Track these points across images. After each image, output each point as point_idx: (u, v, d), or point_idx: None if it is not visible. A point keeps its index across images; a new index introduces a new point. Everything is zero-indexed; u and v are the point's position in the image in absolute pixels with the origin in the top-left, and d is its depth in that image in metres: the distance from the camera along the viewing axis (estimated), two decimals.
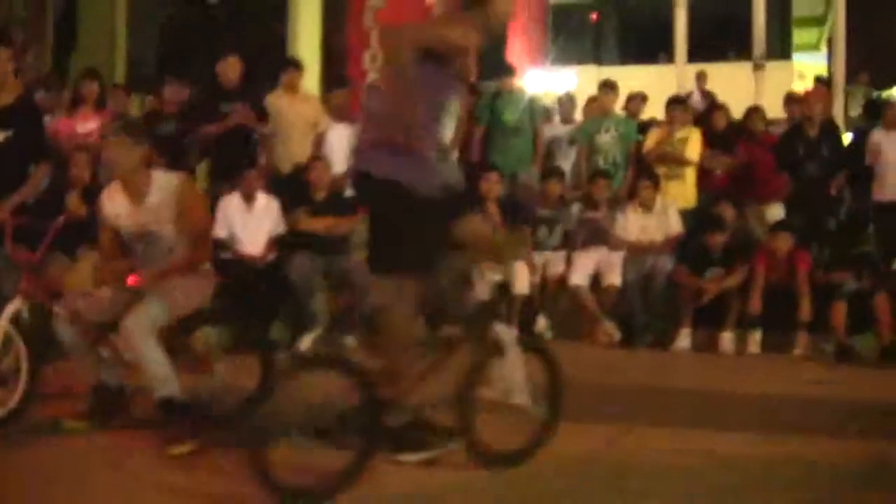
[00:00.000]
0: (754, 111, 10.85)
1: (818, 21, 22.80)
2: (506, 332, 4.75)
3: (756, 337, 8.85)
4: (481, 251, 4.70)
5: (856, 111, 14.79)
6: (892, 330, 8.48)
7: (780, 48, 21.80)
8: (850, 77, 16.31)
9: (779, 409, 6.58)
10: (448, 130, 4.54)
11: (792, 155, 10.02)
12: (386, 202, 4.37)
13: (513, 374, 4.66)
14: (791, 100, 11.09)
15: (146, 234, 5.43)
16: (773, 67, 18.90)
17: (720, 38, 21.31)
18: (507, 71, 11.06)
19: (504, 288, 4.98)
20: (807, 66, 21.63)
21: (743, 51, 19.30)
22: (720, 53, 20.31)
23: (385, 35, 4.42)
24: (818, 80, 13.68)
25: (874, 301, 8.49)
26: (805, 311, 8.74)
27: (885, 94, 11.60)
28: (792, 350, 8.72)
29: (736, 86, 15.57)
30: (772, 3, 20.05)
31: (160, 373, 5.18)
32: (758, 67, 15.41)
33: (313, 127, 9.82)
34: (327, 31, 15.22)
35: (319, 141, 9.75)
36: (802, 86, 16.44)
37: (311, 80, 13.15)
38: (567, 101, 11.18)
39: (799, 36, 23.85)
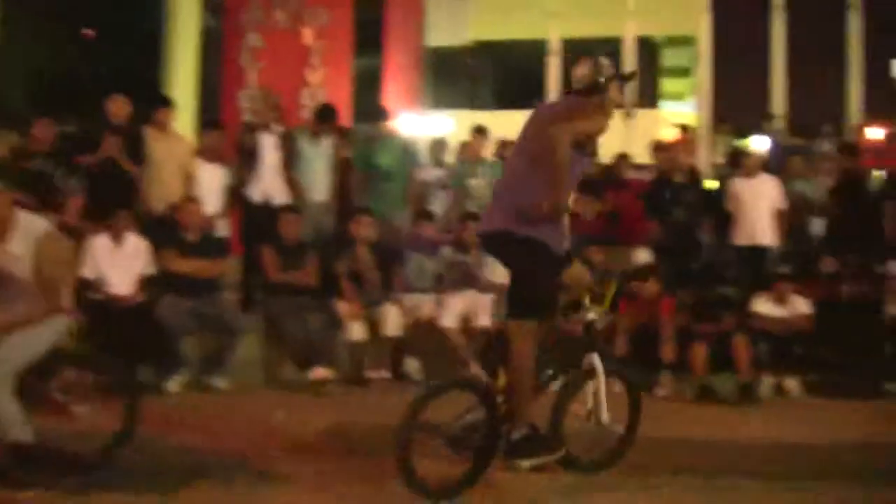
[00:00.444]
0: (622, 158, 11.15)
1: (685, 72, 23.52)
2: (598, 361, 5.66)
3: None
4: (580, 292, 5.67)
5: (720, 159, 15.23)
6: (751, 370, 8.78)
7: (650, 97, 22.48)
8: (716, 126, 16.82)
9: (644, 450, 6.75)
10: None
11: (659, 201, 10.29)
12: (529, 257, 5.28)
13: (600, 396, 5.65)
14: (657, 147, 11.41)
15: (2, 273, 5.35)
16: (643, 115, 19.43)
17: None
18: (381, 115, 11.15)
19: (593, 324, 5.73)
20: (676, 115, 22.27)
21: None
22: None
23: (553, 137, 5.17)
24: (683, 128, 14.07)
25: (733, 342, 8.79)
26: (668, 352, 8.98)
27: (743, 142, 12.02)
28: (655, 390, 8.94)
29: (608, 132, 15.90)
30: (642, 54, 20.64)
31: (8, 417, 5.11)
32: (628, 115, 15.78)
33: (184, 167, 9.76)
34: (204, 71, 15.13)
35: (190, 181, 9.69)
36: (672, 133, 16.88)
37: (186, 119, 13.07)
38: (438, 146, 11.29)
39: (668, 85, 24.60)
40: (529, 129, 5.52)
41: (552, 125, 5.24)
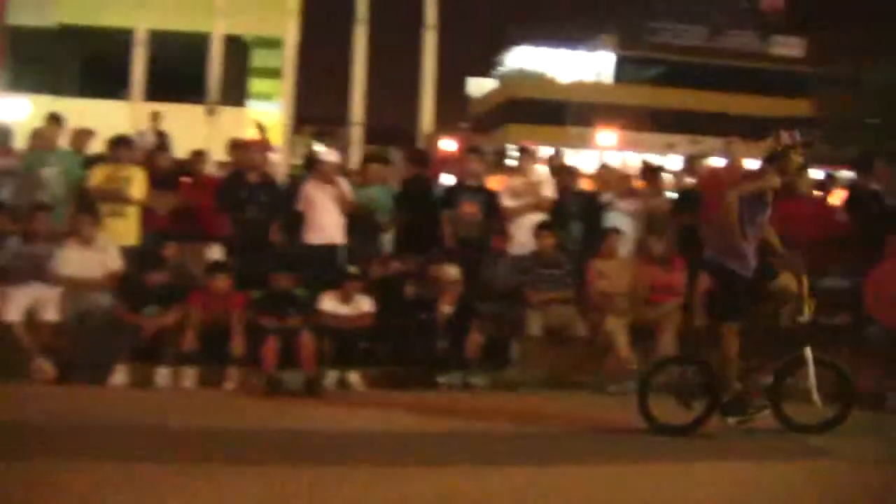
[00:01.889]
0: (198, 154, 11.20)
1: (275, 73, 23.87)
2: (809, 352, 7.51)
3: (191, 372, 9.14)
4: (785, 299, 7.63)
5: (299, 160, 15.58)
6: (316, 364, 9.17)
7: (237, 95, 22.64)
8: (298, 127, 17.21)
9: (214, 440, 6.94)
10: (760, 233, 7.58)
11: (232, 198, 10.42)
12: (728, 280, 7.46)
13: (811, 380, 7.45)
14: (234, 146, 11.55)
15: None
16: (229, 113, 19.57)
17: (178, 80, 21.68)
18: None
19: (805, 323, 7.64)
20: (263, 115, 22.55)
21: (200, 95, 19.77)
22: (178, 95, 20.66)
23: (724, 197, 7.41)
24: (260, 127, 14.30)
25: (300, 338, 9.14)
26: (238, 347, 9.19)
27: (316, 148, 12.41)
28: (224, 384, 9.11)
29: (193, 128, 15.90)
30: (230, 52, 20.76)
31: None
32: (211, 112, 15.86)
33: None
34: None
35: None
36: (252, 133, 17.11)
37: None
38: (5, 132, 10.84)
39: (257, 85, 24.87)
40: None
41: (728, 190, 7.43)
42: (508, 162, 11.95)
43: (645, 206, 11.27)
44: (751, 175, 7.64)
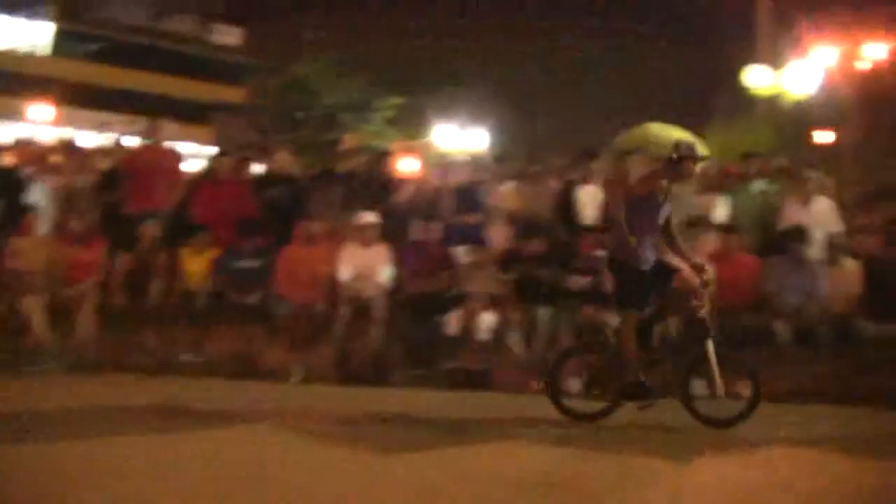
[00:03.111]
0: None
1: None
2: (710, 346, 7.56)
3: None
4: (686, 293, 7.72)
5: None
6: None
7: None
8: None
9: None
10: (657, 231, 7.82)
11: None
12: (621, 272, 7.83)
13: (713, 374, 7.54)
14: None
15: None
16: None
17: None
18: None
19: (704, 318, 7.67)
20: None
21: None
22: None
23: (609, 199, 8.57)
24: None
25: None
26: None
27: None
28: None
29: None
30: None
31: None
32: None
33: None
34: None
35: None
36: None
37: None
38: None
39: None
40: None
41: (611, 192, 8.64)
42: None
43: (66, 183, 11.19)
44: (642, 179, 7.92)
